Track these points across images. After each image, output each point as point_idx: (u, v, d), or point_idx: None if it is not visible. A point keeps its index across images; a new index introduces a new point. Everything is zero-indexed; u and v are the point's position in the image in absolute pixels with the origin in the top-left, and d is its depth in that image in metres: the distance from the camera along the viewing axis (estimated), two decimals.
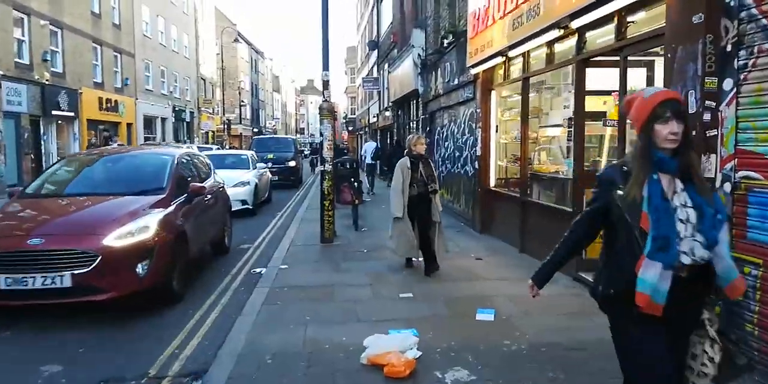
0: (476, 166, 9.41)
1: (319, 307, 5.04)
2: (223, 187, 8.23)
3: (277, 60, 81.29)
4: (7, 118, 16.28)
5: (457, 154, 11.13)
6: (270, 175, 15.33)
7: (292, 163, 19.70)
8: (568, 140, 6.28)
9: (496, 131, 8.91)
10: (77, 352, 4.17)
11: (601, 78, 6.04)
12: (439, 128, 13.18)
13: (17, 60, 16.89)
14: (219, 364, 3.71)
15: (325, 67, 8.83)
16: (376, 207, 13.29)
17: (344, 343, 4.09)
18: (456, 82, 10.76)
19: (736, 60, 3.81)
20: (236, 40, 40.67)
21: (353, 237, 9.01)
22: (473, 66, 9.14)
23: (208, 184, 7.22)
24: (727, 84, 3.87)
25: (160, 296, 5.22)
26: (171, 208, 5.64)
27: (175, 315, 5.05)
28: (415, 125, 17.17)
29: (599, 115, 6.07)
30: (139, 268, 4.88)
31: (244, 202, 11.65)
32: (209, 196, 7.02)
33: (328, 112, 8.54)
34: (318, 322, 4.60)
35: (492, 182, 9.06)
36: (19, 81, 16.83)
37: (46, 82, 18.38)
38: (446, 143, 12.33)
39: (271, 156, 18.91)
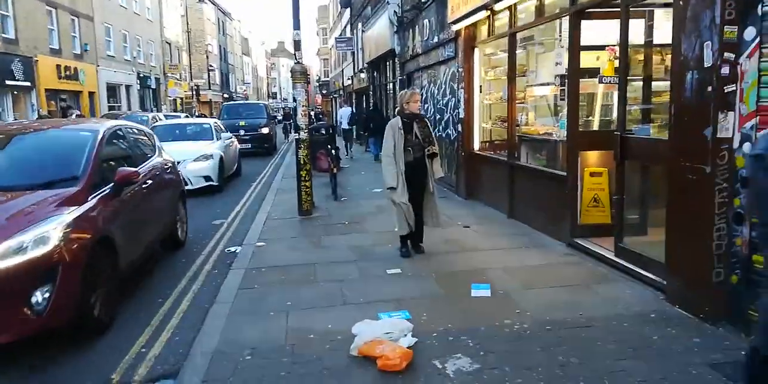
0: (459, 129, 8.97)
1: (300, 290, 4.65)
2: (172, 166, 6.60)
3: (246, 21, 78.42)
4: None
5: (438, 116, 10.65)
6: (238, 145, 13.88)
7: (265, 130, 18.76)
8: (561, 99, 5.85)
9: (480, 92, 8.43)
10: (27, 358, 3.65)
11: (594, 32, 5.59)
12: (418, 90, 12.59)
13: None
14: (191, 365, 3.31)
15: (296, 26, 8.16)
16: (355, 174, 12.85)
17: (331, 332, 3.72)
18: (435, 40, 10.17)
19: (760, 6, 3.38)
20: (201, 0, 38.73)
21: (333, 208, 8.59)
22: (454, 22, 8.56)
23: (149, 165, 5.75)
24: (749, 33, 3.46)
25: (76, 329, 3.82)
26: (88, 206, 4.07)
27: (142, 306, 4.61)
28: (392, 87, 16.54)
29: (592, 72, 5.65)
30: (37, 299, 3.43)
31: (207, 178, 10.45)
32: (150, 182, 5.48)
33: (301, 74, 7.92)
34: (300, 308, 4.21)
35: (476, 146, 8.65)
36: None
37: None
38: (426, 106, 11.80)
39: (242, 123, 18.19)
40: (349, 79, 27.15)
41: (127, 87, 30.42)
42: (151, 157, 6.04)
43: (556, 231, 5.91)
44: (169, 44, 39.41)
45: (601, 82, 5.51)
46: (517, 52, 7.04)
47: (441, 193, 9.50)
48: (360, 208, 8.46)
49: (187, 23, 42.34)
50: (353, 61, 25.11)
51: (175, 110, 36.73)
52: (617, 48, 5.58)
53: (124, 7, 29.96)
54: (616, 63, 5.65)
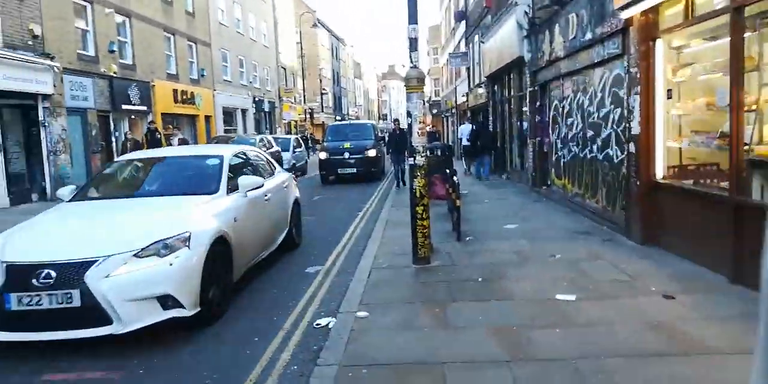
0: (630, 149, 6.62)
1: None
2: None
3: (358, 46, 79.60)
4: (72, 114, 15.21)
5: (590, 133, 8.32)
6: (294, 190, 7.57)
7: (372, 153, 16.87)
8: None
9: (669, 98, 6.06)
10: None
11: None
12: (556, 102, 10.35)
13: (81, 51, 15.80)
14: None
15: (412, 20, 6.35)
16: (477, 202, 10.75)
17: None
18: (589, 36, 7.93)
19: None
20: (315, 26, 39.10)
21: (457, 252, 6.56)
22: (625, 7, 6.31)
23: None
24: None
25: None
26: None
27: None
28: (515, 102, 14.35)
29: None
30: None
31: (165, 300, 4.13)
32: None
33: (417, 82, 6.06)
34: None
35: (660, 172, 6.24)
36: (84, 74, 15.74)
37: (115, 75, 17.29)
38: (569, 120, 9.52)
39: (347, 145, 16.61)
40: (463, 95, 25.20)
41: (243, 111, 30.77)
42: None
43: None
44: (284, 69, 40.06)
45: None
46: (745, 35, 4.68)
47: (598, 233, 7.19)
48: (493, 253, 6.37)
49: (302, 49, 43.02)
50: (468, 76, 23.17)
51: (289, 132, 36.92)
52: None
53: (240, 33, 30.51)
54: None
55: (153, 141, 15.37)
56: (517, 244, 6.75)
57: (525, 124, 12.98)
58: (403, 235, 6.88)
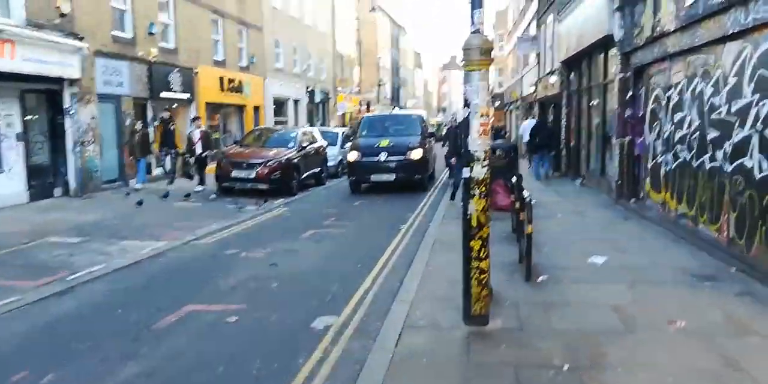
0: None
1: None
2: None
3: (418, 35, 76.82)
4: (104, 101, 14.07)
5: (713, 134, 6.15)
6: None
7: (416, 155, 12.48)
8: None
9: None
10: None
11: None
12: (658, 91, 8.12)
13: (117, 33, 14.66)
14: None
15: None
16: (547, 216, 8.52)
17: None
18: None
19: None
20: (373, 10, 37.23)
21: (526, 303, 4.63)
22: None
23: None
24: None
25: None
26: None
27: None
28: (598, 92, 12.07)
29: None
30: None
31: None
32: None
33: (481, 53, 4.11)
34: None
35: None
36: (120, 58, 14.59)
37: (154, 60, 16.13)
38: (677, 116, 7.32)
39: (384, 143, 12.59)
40: (531, 86, 22.78)
41: (296, 101, 29.44)
42: None
43: None
44: (341, 58, 38.53)
45: None
46: None
47: (732, 280, 4.93)
48: (580, 309, 4.40)
49: (359, 36, 41.40)
50: (538, 63, 20.76)
51: (344, 125, 35.43)
52: None
53: (295, 18, 29.11)
54: None
55: (166, 133, 13.66)
56: (614, 293, 4.75)
57: (609, 119, 10.76)
58: (453, 263, 5.02)
